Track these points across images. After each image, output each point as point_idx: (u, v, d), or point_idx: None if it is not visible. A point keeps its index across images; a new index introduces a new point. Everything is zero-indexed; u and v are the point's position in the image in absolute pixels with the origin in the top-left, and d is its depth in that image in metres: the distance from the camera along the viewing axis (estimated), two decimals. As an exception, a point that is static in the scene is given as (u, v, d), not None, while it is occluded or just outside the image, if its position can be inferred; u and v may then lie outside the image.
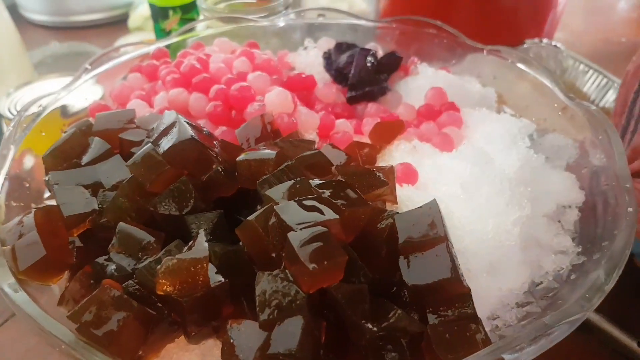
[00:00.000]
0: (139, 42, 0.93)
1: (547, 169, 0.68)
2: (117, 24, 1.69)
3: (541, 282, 0.61)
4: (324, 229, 0.45)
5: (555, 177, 0.67)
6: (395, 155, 0.68)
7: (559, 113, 0.77)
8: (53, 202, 0.61)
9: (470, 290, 0.47)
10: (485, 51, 0.88)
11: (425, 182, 0.63)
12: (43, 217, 0.58)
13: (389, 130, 0.70)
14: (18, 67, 1.24)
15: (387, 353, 0.44)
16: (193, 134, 0.58)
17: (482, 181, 0.60)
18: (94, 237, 0.58)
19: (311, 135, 0.70)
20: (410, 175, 0.63)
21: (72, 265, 0.57)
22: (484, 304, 0.56)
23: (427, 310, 0.47)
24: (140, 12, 1.62)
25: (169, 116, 0.61)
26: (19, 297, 0.50)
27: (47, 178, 0.62)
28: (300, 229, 0.45)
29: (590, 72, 1.10)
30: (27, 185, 0.69)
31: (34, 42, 1.62)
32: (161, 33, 1.37)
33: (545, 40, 1.12)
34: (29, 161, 0.73)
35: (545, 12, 1.13)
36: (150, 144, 0.57)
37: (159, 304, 0.48)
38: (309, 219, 0.46)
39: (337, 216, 0.47)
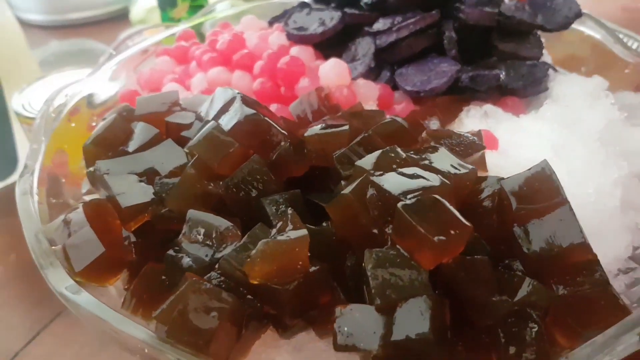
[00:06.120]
0: (157, 25, 0.88)
1: (629, 127, 0.63)
2: (117, 19, 1.62)
3: (640, 247, 0.56)
4: (438, 197, 0.39)
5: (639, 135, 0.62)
6: (465, 122, 0.62)
7: (626, 71, 0.72)
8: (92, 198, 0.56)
9: (597, 256, 0.42)
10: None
11: (506, 147, 0.58)
12: (93, 211, 0.52)
13: (454, 105, 0.64)
14: (23, 66, 1.18)
15: (521, 331, 0.38)
16: (256, 110, 0.52)
17: (573, 142, 0.55)
18: (149, 231, 0.52)
19: (371, 107, 0.64)
20: (490, 140, 0.57)
21: (130, 263, 0.52)
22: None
23: (552, 281, 0.42)
24: (142, 5, 1.55)
25: (225, 93, 0.55)
26: (84, 300, 0.44)
27: (92, 169, 0.56)
28: (410, 199, 0.40)
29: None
30: (64, 180, 0.63)
31: (31, 42, 1.53)
32: (170, 22, 1.31)
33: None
34: (60, 157, 0.68)
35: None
36: (213, 122, 0.51)
37: (249, 296, 0.42)
38: (417, 187, 0.41)
39: (447, 182, 0.41)
